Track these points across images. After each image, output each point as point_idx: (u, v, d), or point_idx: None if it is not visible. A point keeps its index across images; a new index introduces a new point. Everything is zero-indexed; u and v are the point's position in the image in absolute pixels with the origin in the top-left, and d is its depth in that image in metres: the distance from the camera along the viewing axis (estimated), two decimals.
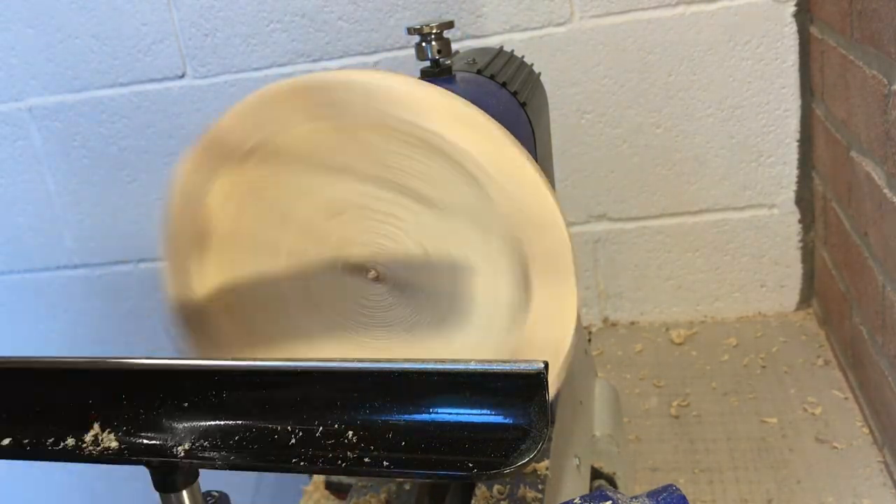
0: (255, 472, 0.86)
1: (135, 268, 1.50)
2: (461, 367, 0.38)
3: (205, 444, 0.37)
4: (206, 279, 0.51)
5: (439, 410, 0.38)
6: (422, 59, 0.67)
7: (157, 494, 0.39)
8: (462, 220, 0.49)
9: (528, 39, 1.24)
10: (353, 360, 0.40)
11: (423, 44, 0.66)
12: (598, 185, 1.30)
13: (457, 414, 0.38)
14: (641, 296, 1.36)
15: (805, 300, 1.31)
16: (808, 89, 1.20)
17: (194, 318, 0.52)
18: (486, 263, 0.50)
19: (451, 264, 0.50)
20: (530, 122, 0.69)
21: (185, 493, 0.39)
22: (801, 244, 1.28)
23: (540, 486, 0.59)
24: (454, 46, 0.70)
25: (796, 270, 1.30)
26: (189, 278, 0.51)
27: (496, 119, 0.46)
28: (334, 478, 0.77)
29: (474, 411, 0.38)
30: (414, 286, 0.51)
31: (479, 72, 0.69)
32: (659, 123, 1.25)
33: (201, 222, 0.50)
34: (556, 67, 1.23)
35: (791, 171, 1.25)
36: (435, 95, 0.45)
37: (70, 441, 0.38)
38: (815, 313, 1.29)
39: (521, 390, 0.38)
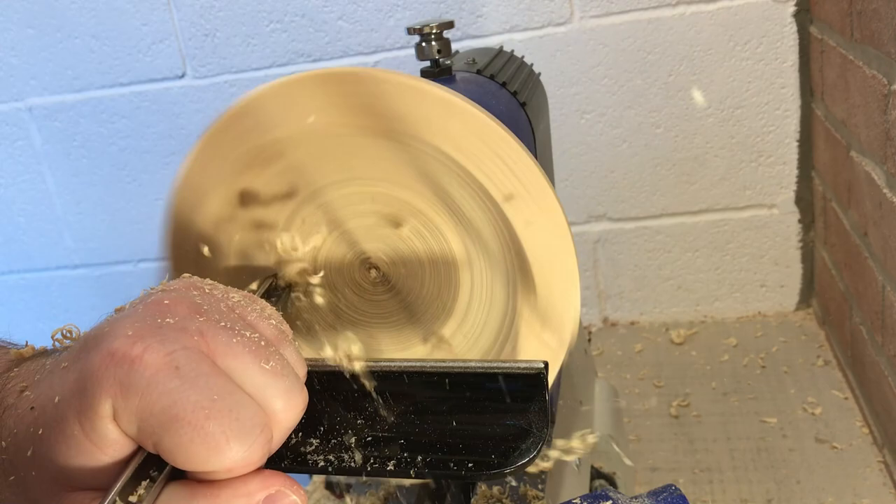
0: None
1: (135, 268, 1.50)
2: (461, 366, 0.38)
3: None
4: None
5: (439, 410, 0.38)
6: (422, 59, 0.67)
7: None
8: (460, 220, 0.48)
9: (528, 39, 1.24)
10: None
11: (423, 44, 0.66)
12: (598, 185, 1.30)
13: (457, 414, 0.38)
14: (641, 296, 1.36)
15: (805, 300, 1.31)
16: (808, 89, 1.20)
17: None
18: (483, 261, 0.49)
19: (449, 261, 0.50)
20: (530, 122, 0.69)
21: None
22: (800, 244, 1.28)
23: (540, 486, 0.60)
24: (454, 46, 0.70)
25: (796, 270, 1.30)
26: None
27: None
28: (334, 478, 0.77)
29: (474, 411, 0.38)
30: (410, 283, 0.51)
31: (479, 72, 0.69)
32: (659, 123, 1.25)
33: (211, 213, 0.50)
34: (556, 67, 1.23)
35: (791, 171, 1.25)
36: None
37: None
38: (815, 313, 1.29)
39: (521, 390, 0.38)
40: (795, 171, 1.25)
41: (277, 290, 0.49)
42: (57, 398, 0.32)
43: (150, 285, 0.38)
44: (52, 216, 1.49)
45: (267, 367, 0.33)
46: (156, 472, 0.32)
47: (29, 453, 0.33)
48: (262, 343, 0.34)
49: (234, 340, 0.33)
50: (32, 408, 0.33)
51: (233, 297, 0.37)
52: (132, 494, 0.31)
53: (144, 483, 0.31)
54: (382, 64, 1.29)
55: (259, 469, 0.33)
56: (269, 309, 0.38)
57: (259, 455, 0.32)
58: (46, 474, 0.33)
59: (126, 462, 0.32)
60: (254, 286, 0.48)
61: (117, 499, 0.30)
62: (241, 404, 0.32)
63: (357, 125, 0.45)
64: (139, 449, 0.32)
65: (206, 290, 0.36)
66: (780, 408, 1.08)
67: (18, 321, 1.58)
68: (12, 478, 0.34)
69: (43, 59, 1.38)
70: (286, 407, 0.33)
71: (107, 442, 0.32)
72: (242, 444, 0.31)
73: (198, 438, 0.30)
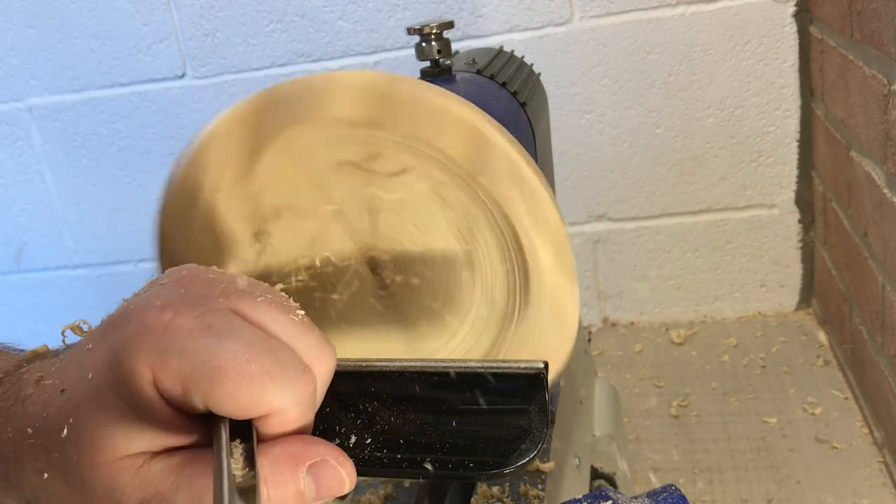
0: None
1: (135, 268, 1.50)
2: (461, 366, 0.38)
3: None
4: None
5: (439, 410, 0.38)
6: (422, 59, 0.67)
7: None
8: (459, 215, 0.49)
9: (528, 39, 1.24)
10: (351, 360, 0.40)
11: (423, 44, 0.66)
12: (598, 185, 1.30)
13: (457, 414, 0.38)
14: (641, 296, 1.36)
15: (805, 300, 1.31)
16: (808, 89, 1.20)
17: None
18: (482, 260, 0.50)
19: (448, 257, 0.50)
20: (530, 122, 0.69)
21: None
22: (800, 244, 1.28)
23: (540, 486, 0.60)
24: (454, 46, 0.70)
25: (796, 270, 1.30)
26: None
27: (496, 119, 0.46)
28: None
29: (474, 411, 0.38)
30: (409, 279, 0.51)
31: (479, 72, 0.69)
32: (659, 123, 1.25)
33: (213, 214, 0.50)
34: (556, 67, 1.23)
35: (791, 171, 1.25)
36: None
37: None
38: (815, 313, 1.29)
39: (521, 390, 0.38)
40: (795, 171, 1.25)
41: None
42: (90, 374, 0.33)
43: (149, 279, 0.39)
44: (52, 216, 1.49)
45: (297, 318, 0.34)
46: (238, 440, 0.32)
47: (64, 434, 0.33)
48: (287, 302, 0.35)
49: (260, 299, 0.34)
50: (63, 390, 0.34)
51: (240, 279, 0.38)
52: (234, 461, 0.31)
53: (241, 447, 0.32)
54: (382, 64, 1.29)
55: (305, 435, 0.33)
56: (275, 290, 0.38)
57: (306, 395, 0.32)
58: (86, 449, 0.33)
59: (209, 432, 0.33)
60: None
61: (229, 465, 0.31)
62: (278, 348, 0.32)
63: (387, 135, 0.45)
64: (217, 419, 0.32)
65: (215, 270, 0.37)
66: (780, 408, 1.08)
67: (18, 321, 1.58)
68: (45, 461, 0.34)
69: (43, 59, 1.38)
70: (321, 358, 0.34)
71: (148, 407, 0.32)
72: (287, 381, 0.32)
73: (243, 382, 0.31)
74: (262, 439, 0.33)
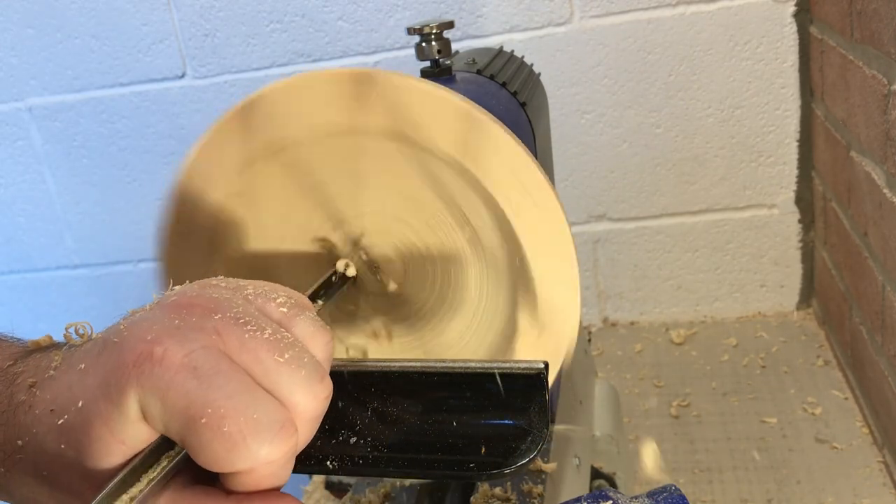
0: None
1: (135, 268, 1.50)
2: (461, 366, 0.38)
3: None
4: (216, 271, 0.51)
5: (439, 410, 0.38)
6: (422, 59, 0.67)
7: None
8: (458, 214, 0.49)
9: (528, 39, 1.24)
10: (352, 360, 0.40)
11: (423, 44, 0.66)
12: (598, 185, 1.30)
13: (457, 414, 0.38)
14: (641, 296, 1.36)
15: (805, 300, 1.31)
16: (808, 89, 1.20)
17: None
18: (481, 258, 0.50)
19: (447, 256, 0.50)
20: (530, 122, 0.69)
21: None
22: (800, 244, 1.28)
23: (541, 486, 0.60)
24: (454, 46, 0.70)
25: (796, 270, 1.30)
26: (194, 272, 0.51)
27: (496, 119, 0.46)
28: (334, 478, 0.77)
29: (474, 411, 0.38)
30: (410, 278, 0.51)
31: (479, 72, 0.69)
32: (659, 123, 1.25)
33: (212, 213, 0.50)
34: (556, 67, 1.23)
35: (791, 171, 1.25)
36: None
37: None
38: (815, 313, 1.29)
39: (521, 390, 0.38)
40: (795, 171, 1.25)
41: (336, 282, 0.49)
42: (80, 402, 0.33)
43: (152, 286, 0.38)
44: (52, 216, 1.49)
45: (282, 359, 0.33)
46: (166, 464, 0.32)
47: (53, 454, 0.33)
48: (278, 336, 0.34)
49: (248, 336, 0.33)
50: (52, 410, 0.33)
51: (247, 289, 0.37)
52: (134, 485, 0.31)
53: (151, 473, 0.31)
54: (382, 64, 1.29)
55: (271, 491, 0.33)
56: (280, 288, 0.38)
57: (281, 452, 0.32)
58: (74, 473, 0.33)
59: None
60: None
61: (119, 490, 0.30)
62: (258, 401, 0.32)
63: (370, 128, 0.45)
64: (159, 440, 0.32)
65: (222, 286, 0.36)
66: (780, 408, 1.08)
67: (18, 321, 1.58)
68: (33, 474, 0.34)
69: (43, 59, 1.38)
70: (307, 398, 0.33)
71: (138, 442, 0.32)
72: (261, 442, 0.31)
73: (216, 439, 0.30)
74: (232, 491, 0.32)
